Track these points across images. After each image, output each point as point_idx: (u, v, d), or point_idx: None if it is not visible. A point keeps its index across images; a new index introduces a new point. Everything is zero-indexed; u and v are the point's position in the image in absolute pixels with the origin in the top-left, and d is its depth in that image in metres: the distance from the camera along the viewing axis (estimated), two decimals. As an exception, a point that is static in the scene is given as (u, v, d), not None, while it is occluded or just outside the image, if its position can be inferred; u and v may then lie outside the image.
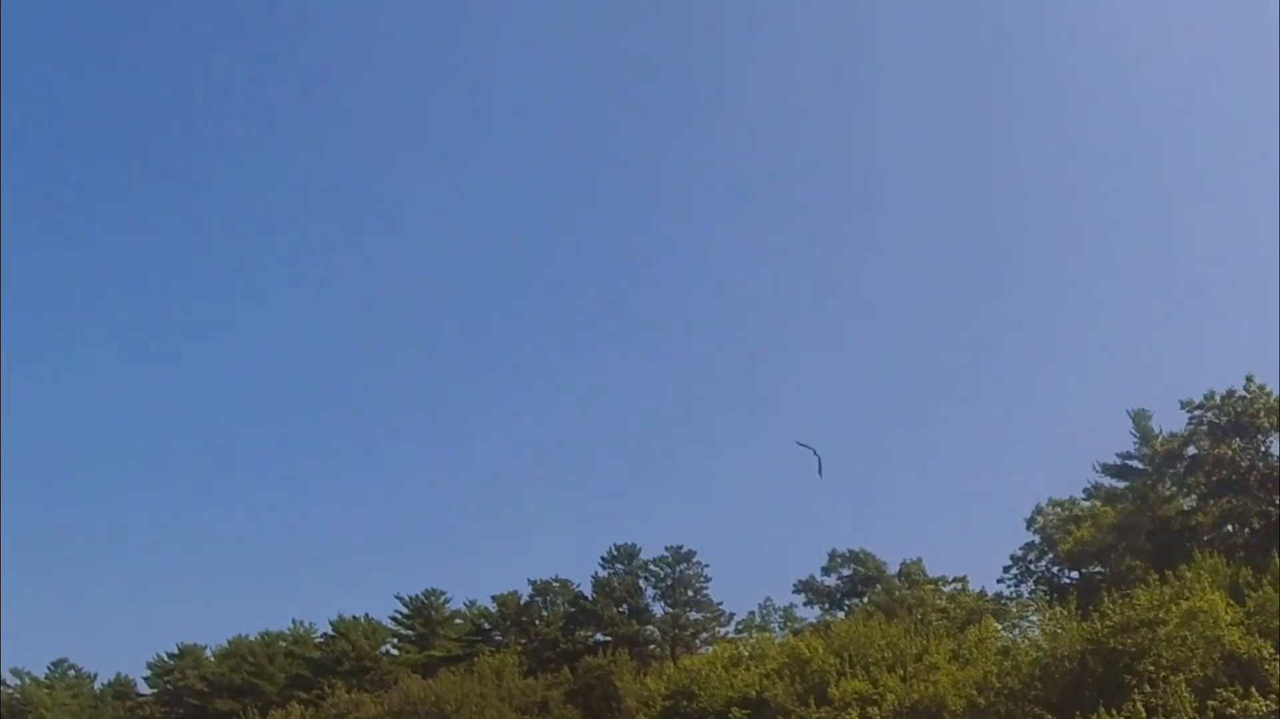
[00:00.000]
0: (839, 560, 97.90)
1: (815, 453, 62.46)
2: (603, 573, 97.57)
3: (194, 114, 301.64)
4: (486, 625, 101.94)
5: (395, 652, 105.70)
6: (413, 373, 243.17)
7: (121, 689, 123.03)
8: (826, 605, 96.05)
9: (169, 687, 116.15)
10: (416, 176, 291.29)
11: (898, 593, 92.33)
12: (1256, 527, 71.28)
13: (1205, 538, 68.84)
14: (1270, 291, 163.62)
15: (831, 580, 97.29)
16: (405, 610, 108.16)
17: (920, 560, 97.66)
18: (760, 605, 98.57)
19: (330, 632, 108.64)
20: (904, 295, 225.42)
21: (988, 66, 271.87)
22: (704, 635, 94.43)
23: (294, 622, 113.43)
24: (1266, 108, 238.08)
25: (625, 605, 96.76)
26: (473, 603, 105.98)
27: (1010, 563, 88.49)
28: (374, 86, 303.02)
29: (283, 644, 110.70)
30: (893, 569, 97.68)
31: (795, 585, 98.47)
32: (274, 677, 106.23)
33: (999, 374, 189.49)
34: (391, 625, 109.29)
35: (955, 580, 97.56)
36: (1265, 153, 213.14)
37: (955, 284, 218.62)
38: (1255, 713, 43.56)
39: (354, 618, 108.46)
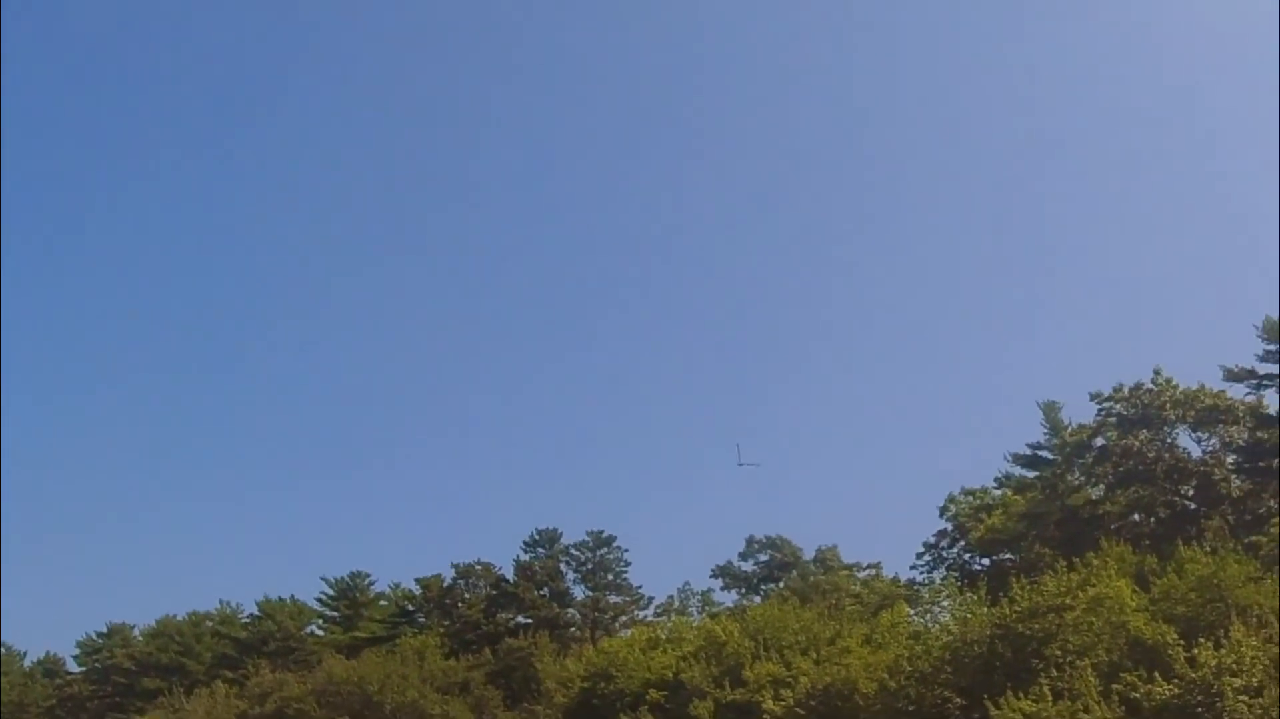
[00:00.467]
0: (756, 546, 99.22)
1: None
2: (524, 556, 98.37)
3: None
4: (410, 607, 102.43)
5: (320, 632, 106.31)
6: (339, 356, 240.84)
7: (51, 667, 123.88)
8: (744, 590, 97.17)
9: (98, 665, 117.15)
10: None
11: (813, 578, 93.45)
12: (1162, 516, 72.60)
13: (1112, 526, 69.89)
14: (1179, 284, 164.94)
15: (749, 566, 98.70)
16: (331, 592, 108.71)
17: (836, 547, 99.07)
18: (679, 590, 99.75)
19: (257, 612, 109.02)
20: (821, 282, 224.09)
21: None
22: (623, 619, 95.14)
23: (221, 602, 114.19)
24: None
25: (546, 589, 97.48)
26: (397, 585, 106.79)
27: (923, 550, 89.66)
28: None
29: (210, 624, 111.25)
30: (808, 555, 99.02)
31: (713, 570, 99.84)
32: (201, 656, 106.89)
33: (916, 365, 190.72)
34: (317, 607, 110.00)
35: (870, 567, 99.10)
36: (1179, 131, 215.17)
37: (874, 276, 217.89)
38: (1158, 697, 44.16)
39: (280, 599, 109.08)
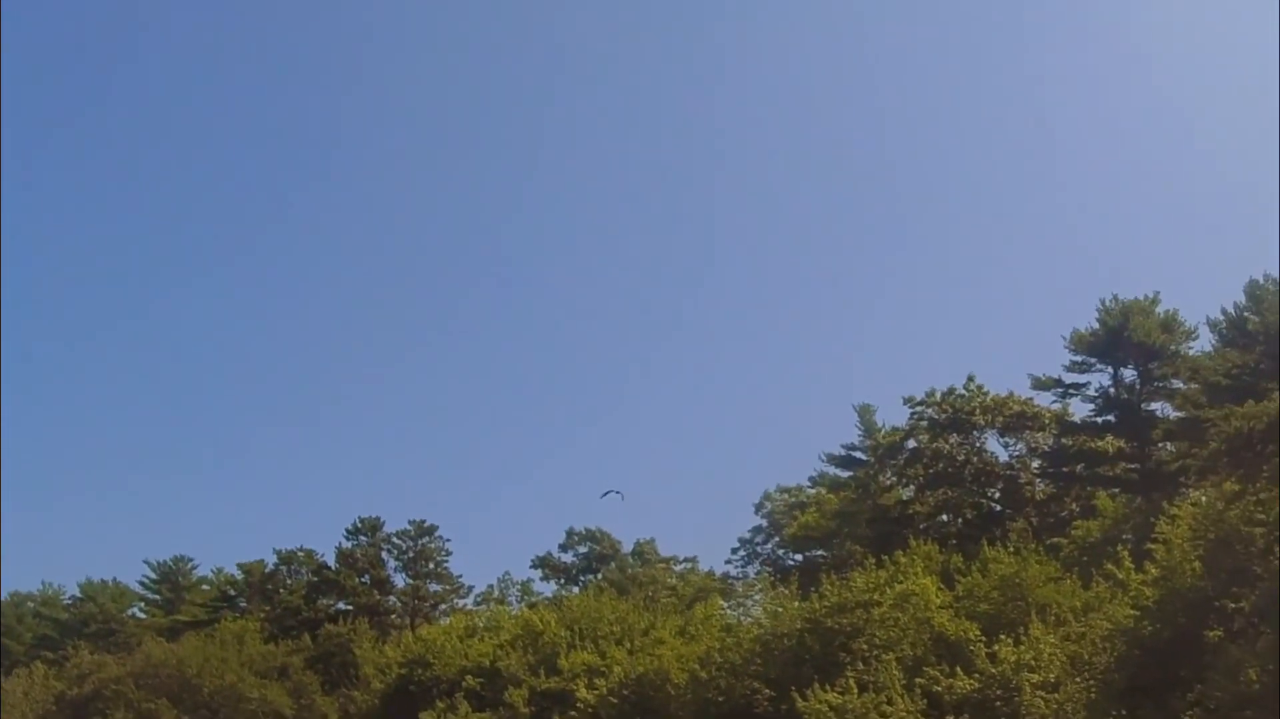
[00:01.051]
0: (576, 538, 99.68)
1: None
2: (346, 544, 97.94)
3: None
4: (232, 592, 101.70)
5: (142, 615, 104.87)
6: (170, 344, 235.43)
7: None
8: (563, 581, 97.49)
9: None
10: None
11: (631, 571, 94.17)
12: (969, 517, 74.14)
13: (921, 526, 71.21)
14: (996, 295, 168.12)
15: (569, 557, 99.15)
16: (153, 575, 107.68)
17: (654, 540, 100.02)
18: (499, 579, 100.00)
19: (78, 594, 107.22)
20: (650, 283, 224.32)
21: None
22: (443, 607, 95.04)
23: (44, 583, 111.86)
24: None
25: (367, 576, 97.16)
26: (219, 570, 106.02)
27: (739, 545, 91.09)
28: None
29: (31, 605, 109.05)
30: (627, 548, 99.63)
31: (533, 561, 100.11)
32: (22, 636, 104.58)
33: (738, 366, 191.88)
34: (139, 590, 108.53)
35: (686, 560, 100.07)
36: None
37: (700, 278, 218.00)
38: (959, 691, 45.00)
39: (102, 581, 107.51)
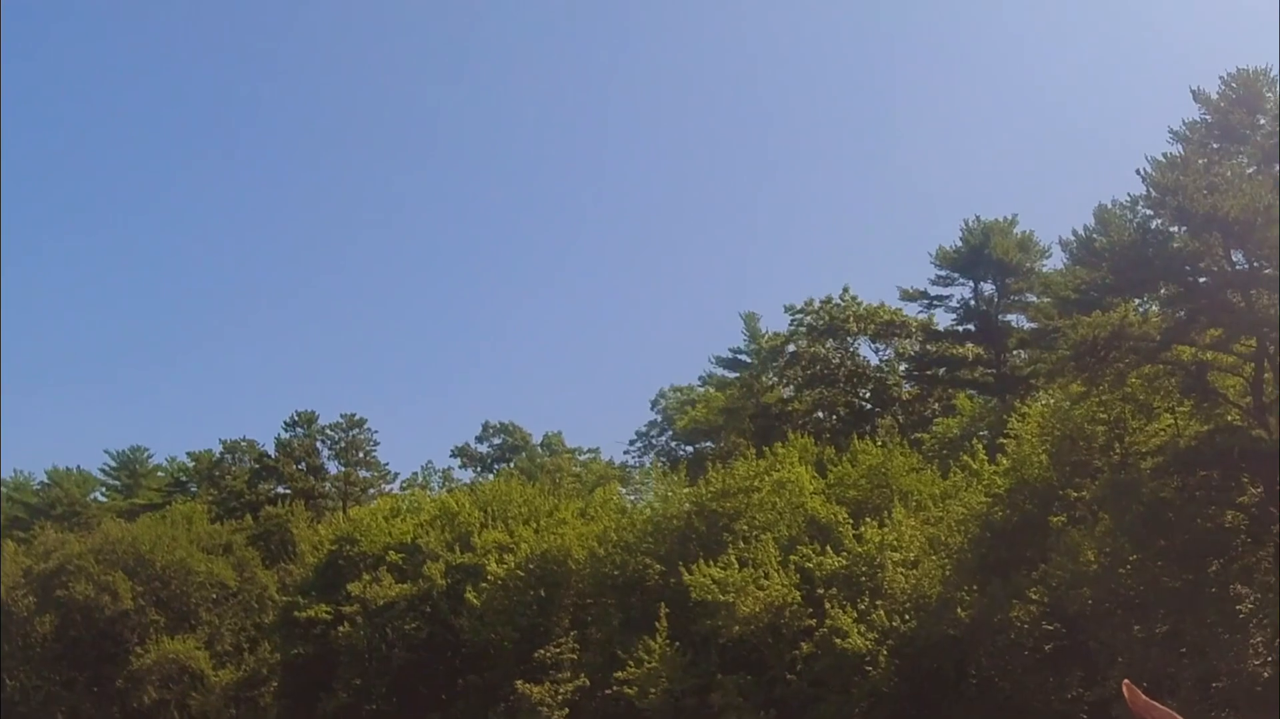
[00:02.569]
0: (491, 430, 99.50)
1: None
2: (285, 435, 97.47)
3: None
4: (183, 479, 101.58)
5: (103, 499, 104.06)
6: (121, 240, 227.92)
7: None
8: (479, 469, 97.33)
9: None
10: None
11: (540, 460, 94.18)
12: (842, 414, 74.63)
13: (800, 422, 71.43)
14: (870, 210, 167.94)
15: (484, 448, 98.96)
16: (113, 464, 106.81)
17: (560, 433, 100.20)
18: (422, 467, 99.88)
19: (46, 480, 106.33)
20: (556, 199, 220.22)
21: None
22: (372, 492, 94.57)
23: (15, 471, 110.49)
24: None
25: (303, 464, 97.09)
26: (173, 459, 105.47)
27: (636, 437, 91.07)
28: None
29: (4, 491, 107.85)
30: (537, 440, 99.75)
31: (453, 451, 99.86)
32: None
33: (636, 276, 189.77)
34: (101, 477, 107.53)
35: (589, 451, 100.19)
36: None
37: (608, 196, 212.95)
38: (828, 567, 45.40)
39: (68, 469, 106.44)
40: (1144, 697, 3.76)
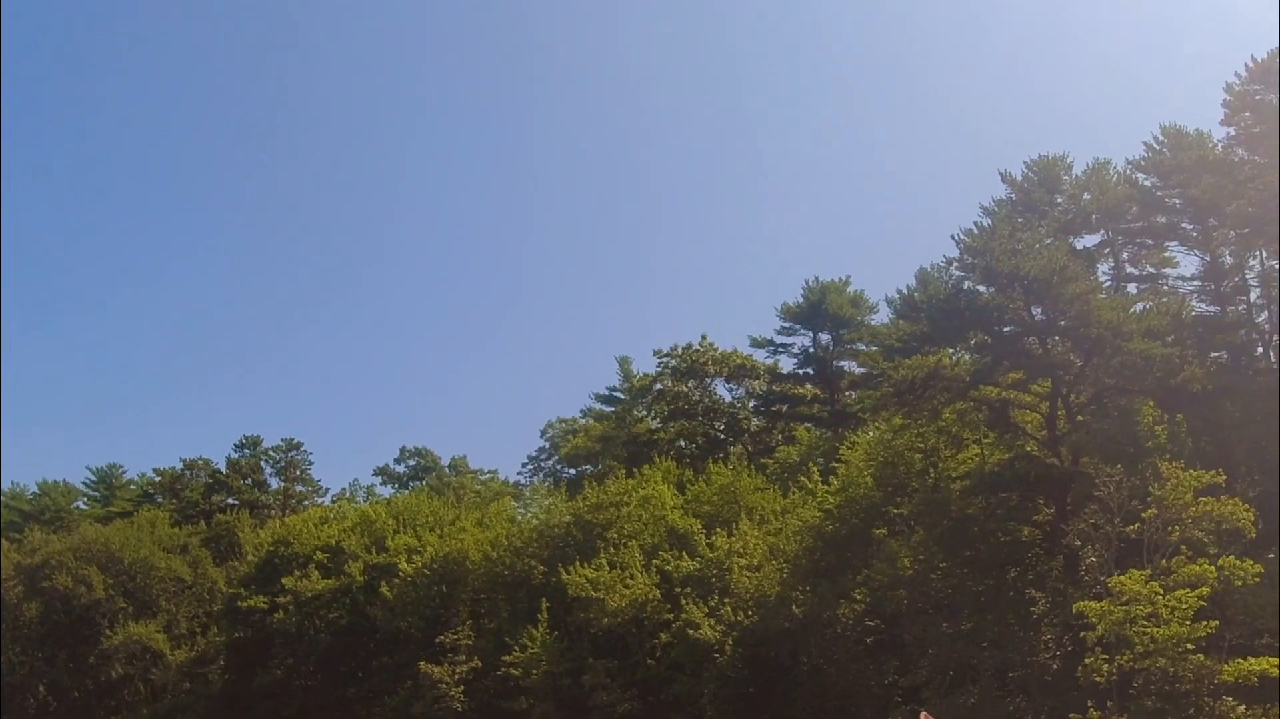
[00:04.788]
0: (407, 453, 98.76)
1: None
2: (234, 454, 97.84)
3: None
4: (150, 490, 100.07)
5: (84, 507, 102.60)
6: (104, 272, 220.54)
7: None
8: (396, 486, 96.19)
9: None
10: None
11: (446, 478, 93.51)
12: (700, 442, 74.13)
13: (664, 449, 70.85)
14: (725, 272, 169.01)
15: (401, 468, 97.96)
16: (94, 478, 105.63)
17: (465, 456, 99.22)
18: (349, 484, 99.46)
19: (37, 490, 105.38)
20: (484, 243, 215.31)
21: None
22: (306, 503, 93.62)
23: (12, 482, 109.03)
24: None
25: (249, 479, 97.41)
26: (143, 474, 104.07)
27: (527, 460, 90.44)
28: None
29: (2, 499, 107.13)
30: (445, 461, 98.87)
31: (375, 470, 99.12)
32: None
33: (535, 320, 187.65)
34: (83, 488, 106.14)
35: (489, 472, 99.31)
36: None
37: (524, 256, 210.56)
38: (684, 570, 45.26)
39: (55, 481, 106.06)
40: None
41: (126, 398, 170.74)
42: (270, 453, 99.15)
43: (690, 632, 42.09)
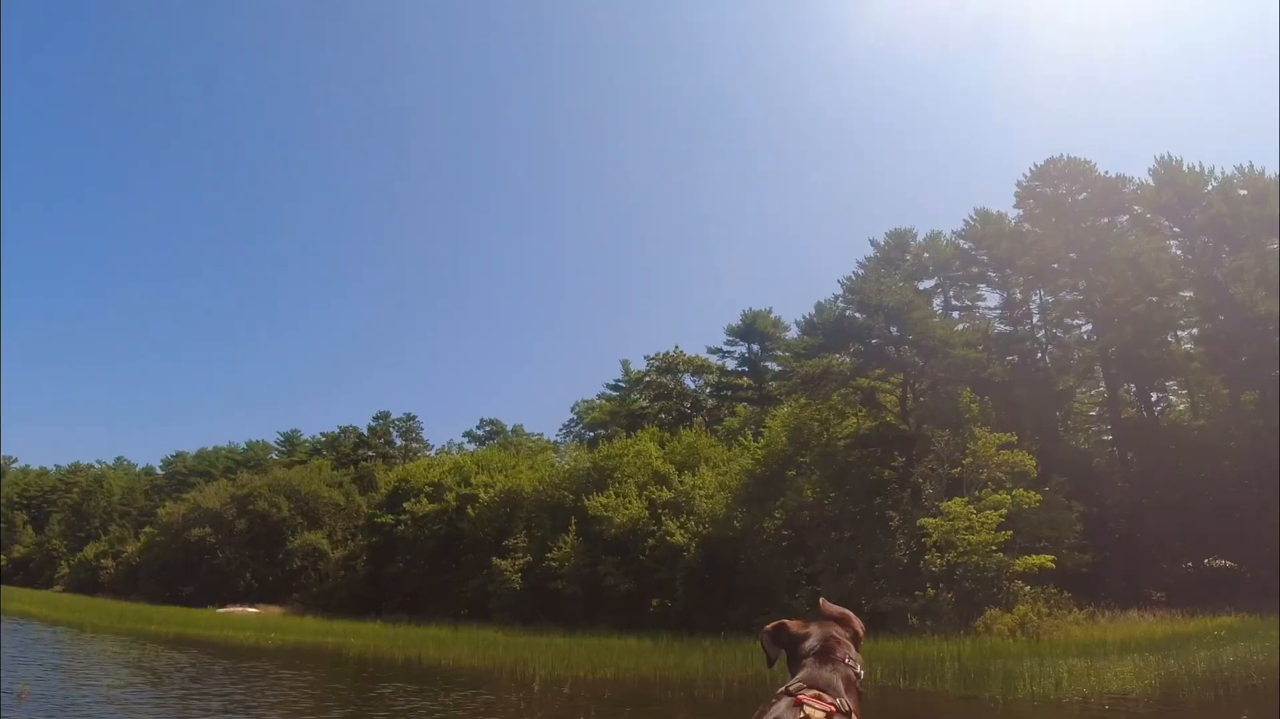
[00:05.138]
0: (485, 422, 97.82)
1: None
2: (373, 423, 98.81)
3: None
4: (319, 447, 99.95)
5: (276, 458, 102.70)
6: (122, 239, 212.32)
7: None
8: (478, 444, 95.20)
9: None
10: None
11: (510, 439, 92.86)
12: (674, 416, 73.72)
13: (651, 420, 70.58)
14: (693, 301, 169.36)
15: (481, 432, 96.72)
16: (281, 438, 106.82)
17: (522, 424, 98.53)
18: (447, 443, 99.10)
19: (244, 447, 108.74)
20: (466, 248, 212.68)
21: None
22: (419, 455, 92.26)
23: (229, 442, 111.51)
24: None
25: (382, 439, 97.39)
26: (314, 436, 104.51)
27: (563, 427, 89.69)
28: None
29: (223, 453, 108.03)
30: (509, 427, 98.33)
31: (464, 433, 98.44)
32: (218, 466, 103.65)
33: (568, 332, 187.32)
34: (275, 444, 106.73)
35: (538, 434, 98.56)
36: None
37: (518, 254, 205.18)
38: (664, 498, 44.97)
39: (257, 440, 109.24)
40: (830, 605, 2.63)
41: (302, 383, 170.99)
42: (396, 422, 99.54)
43: (668, 538, 41.97)
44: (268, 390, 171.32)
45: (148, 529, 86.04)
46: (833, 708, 2.23)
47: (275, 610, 62.16)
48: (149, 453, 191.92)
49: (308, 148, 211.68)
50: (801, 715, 2.18)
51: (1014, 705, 13.27)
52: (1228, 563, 35.76)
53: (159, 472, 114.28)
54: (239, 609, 62.09)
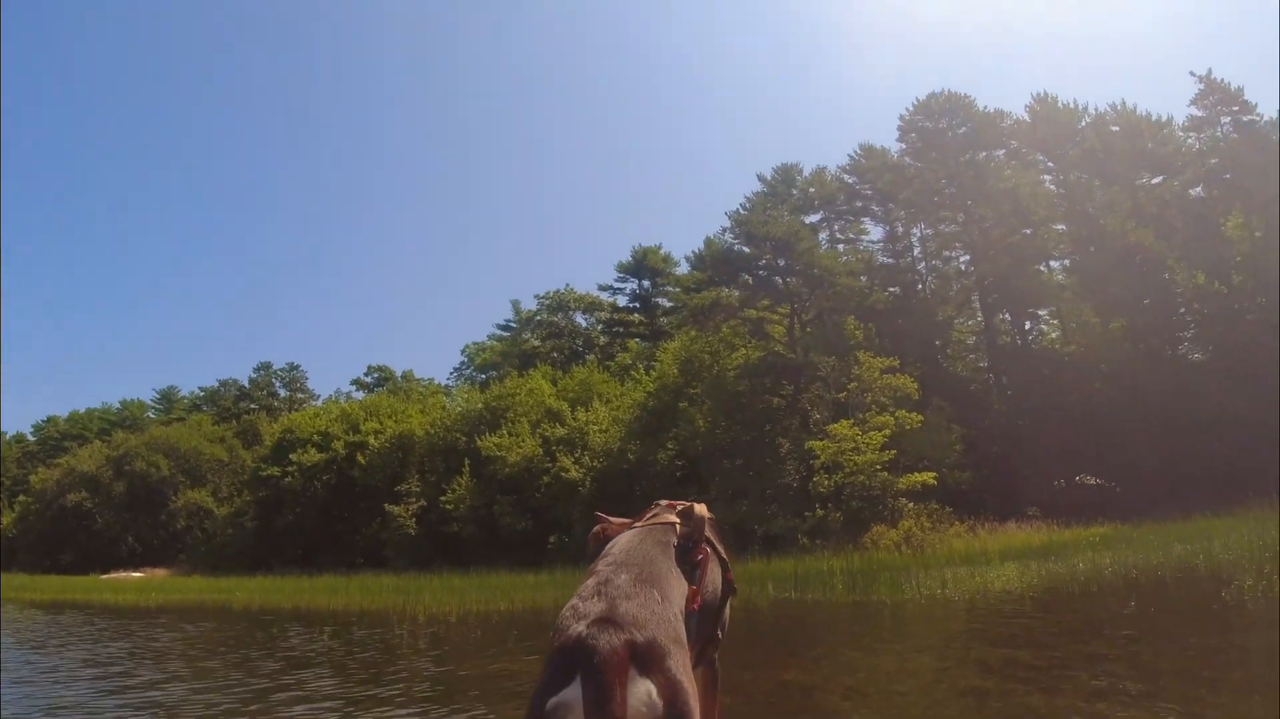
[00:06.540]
0: (373, 369, 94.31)
1: None
2: (254, 374, 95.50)
3: None
4: (197, 402, 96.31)
5: (153, 416, 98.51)
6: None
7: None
8: (366, 391, 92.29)
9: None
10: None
11: (400, 385, 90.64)
12: (566, 354, 73.04)
13: (544, 359, 69.57)
14: (584, 237, 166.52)
15: (369, 379, 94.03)
16: (157, 395, 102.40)
17: (411, 370, 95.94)
18: (334, 392, 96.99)
19: (119, 406, 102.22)
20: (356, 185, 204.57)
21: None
22: (305, 405, 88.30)
23: (102, 403, 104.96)
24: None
25: (265, 391, 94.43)
26: (192, 391, 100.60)
27: (454, 370, 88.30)
28: None
29: (98, 415, 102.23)
30: (399, 373, 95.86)
31: (351, 381, 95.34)
32: (92, 429, 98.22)
33: (454, 274, 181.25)
34: (150, 403, 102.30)
35: (428, 379, 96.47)
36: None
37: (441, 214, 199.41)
38: (557, 434, 44.67)
39: (132, 399, 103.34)
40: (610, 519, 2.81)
41: (177, 338, 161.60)
42: (279, 373, 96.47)
43: (562, 474, 41.69)
44: (141, 348, 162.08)
45: (21, 498, 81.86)
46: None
47: (161, 573, 59.92)
48: (19, 420, 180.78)
49: (172, 86, 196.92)
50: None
51: (903, 606, 13.41)
52: (1097, 479, 37.60)
53: (30, 438, 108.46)
54: (123, 574, 59.65)
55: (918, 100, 49.42)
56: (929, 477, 31.03)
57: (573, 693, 1.68)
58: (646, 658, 1.75)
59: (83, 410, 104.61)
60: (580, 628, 1.77)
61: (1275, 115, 40.62)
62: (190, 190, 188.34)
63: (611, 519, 2.62)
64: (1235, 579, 11.35)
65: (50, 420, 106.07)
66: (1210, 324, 36.54)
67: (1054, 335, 46.40)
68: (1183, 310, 38.56)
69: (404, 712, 7.72)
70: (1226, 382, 33.50)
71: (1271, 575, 11.28)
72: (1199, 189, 41.76)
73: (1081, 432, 36.22)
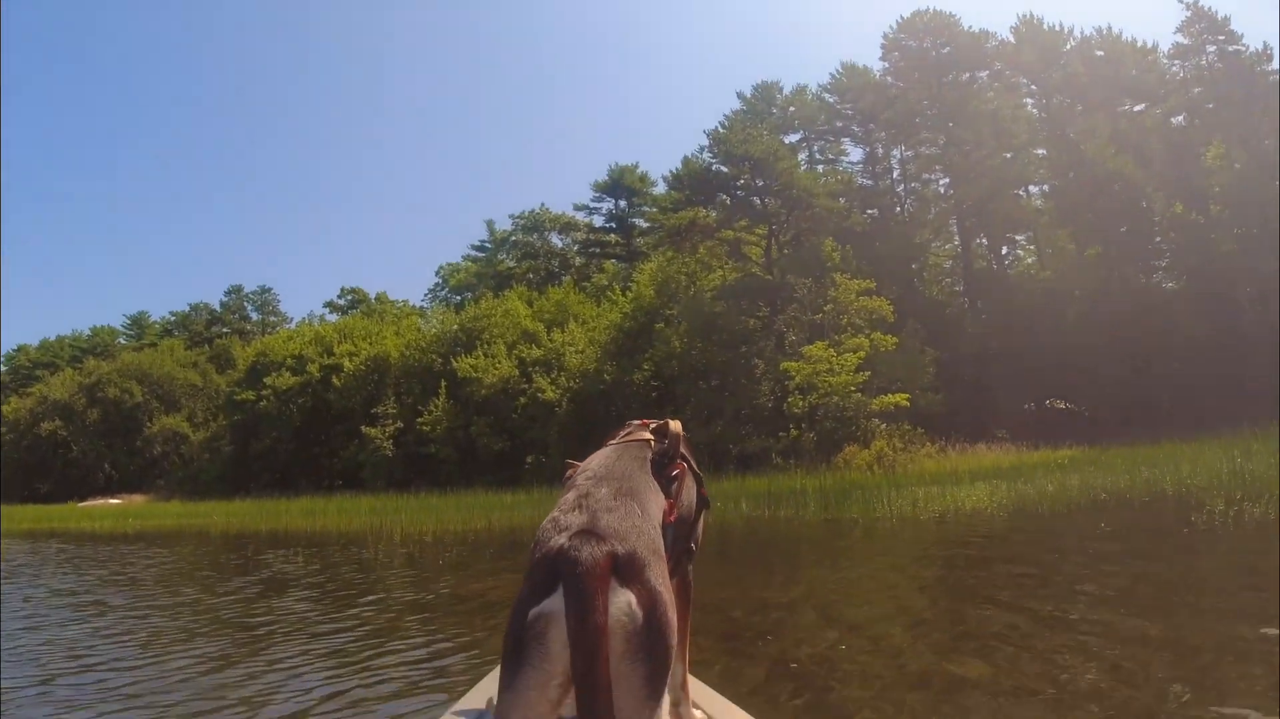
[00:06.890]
0: (346, 291, 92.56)
1: None
2: (225, 298, 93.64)
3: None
4: (169, 327, 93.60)
5: (125, 342, 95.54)
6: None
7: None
8: (340, 313, 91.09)
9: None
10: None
11: (374, 306, 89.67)
12: (542, 275, 72.35)
13: (519, 280, 69.06)
14: (561, 154, 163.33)
15: (343, 301, 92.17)
16: (128, 321, 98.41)
17: (385, 292, 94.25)
18: (308, 314, 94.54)
19: (89, 333, 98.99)
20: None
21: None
22: (278, 329, 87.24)
23: (73, 330, 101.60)
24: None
25: (237, 314, 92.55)
26: (163, 316, 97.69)
27: (429, 292, 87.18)
28: None
29: (68, 342, 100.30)
30: (373, 295, 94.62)
31: (324, 304, 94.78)
32: (63, 357, 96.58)
33: (428, 194, 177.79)
34: (121, 329, 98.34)
35: (403, 301, 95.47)
36: None
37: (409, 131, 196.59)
38: (534, 356, 44.69)
39: (103, 326, 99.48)
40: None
41: (146, 262, 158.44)
42: (250, 295, 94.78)
43: (539, 395, 41.72)
44: (109, 273, 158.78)
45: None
46: None
47: (139, 500, 59.51)
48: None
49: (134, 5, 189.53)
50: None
51: (874, 524, 13.57)
52: (1066, 404, 38.11)
53: (2, 369, 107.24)
54: (100, 502, 59.16)
55: (902, 18, 48.52)
56: (902, 398, 31.29)
57: (554, 603, 1.71)
58: (627, 569, 1.76)
59: (53, 338, 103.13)
60: (562, 540, 1.78)
61: (1260, 46, 40.27)
62: (157, 110, 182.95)
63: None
64: (1206, 504, 11.49)
65: (21, 349, 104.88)
66: (1185, 254, 36.66)
67: (1030, 261, 46.48)
68: (1159, 239, 38.66)
69: (381, 636, 7.68)
70: (1198, 311, 33.80)
71: (1243, 502, 11.42)
72: (1180, 118, 41.47)
73: (1053, 357, 36.58)
